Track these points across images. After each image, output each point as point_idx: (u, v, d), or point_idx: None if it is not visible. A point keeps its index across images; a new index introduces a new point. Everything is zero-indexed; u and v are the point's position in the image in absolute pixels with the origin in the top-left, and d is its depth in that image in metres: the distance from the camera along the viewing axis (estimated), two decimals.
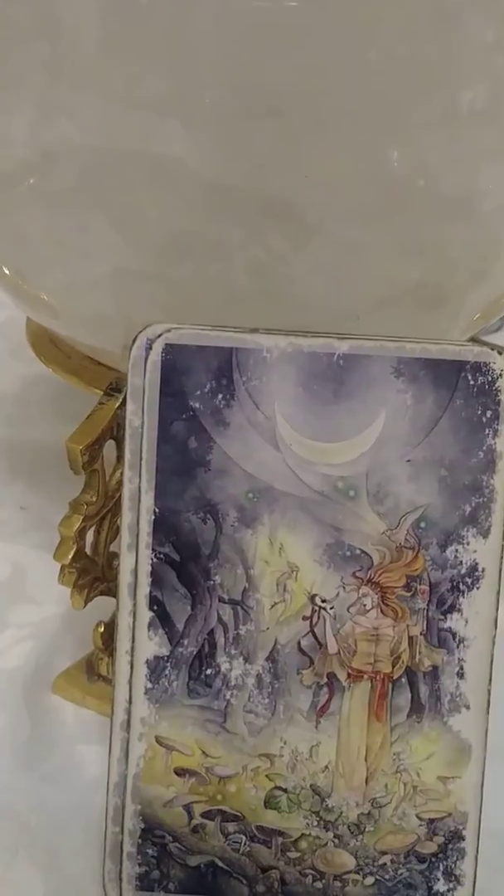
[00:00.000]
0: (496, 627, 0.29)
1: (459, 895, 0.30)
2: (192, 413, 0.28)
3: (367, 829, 0.29)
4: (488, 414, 0.28)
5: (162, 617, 0.29)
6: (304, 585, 0.29)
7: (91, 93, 0.28)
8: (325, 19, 0.26)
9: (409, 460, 0.28)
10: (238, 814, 0.30)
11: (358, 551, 0.29)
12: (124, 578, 0.29)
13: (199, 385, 0.28)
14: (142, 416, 0.28)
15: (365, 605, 0.29)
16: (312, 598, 0.29)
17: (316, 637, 0.29)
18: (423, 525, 0.28)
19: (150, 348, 0.28)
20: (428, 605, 0.29)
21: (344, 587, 0.29)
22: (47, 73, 0.28)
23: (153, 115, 0.27)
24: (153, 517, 0.29)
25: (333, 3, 0.26)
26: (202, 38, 0.26)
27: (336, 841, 0.29)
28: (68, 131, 0.28)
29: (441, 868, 0.30)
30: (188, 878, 0.30)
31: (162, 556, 0.29)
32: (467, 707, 0.29)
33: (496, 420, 0.28)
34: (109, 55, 0.27)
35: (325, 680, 0.29)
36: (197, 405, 0.28)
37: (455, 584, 0.29)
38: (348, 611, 0.29)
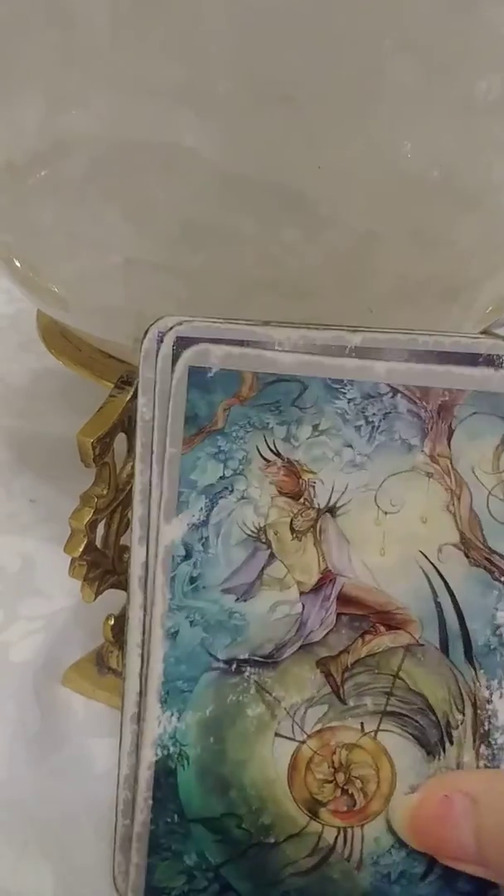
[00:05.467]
0: None
1: None
2: None
3: None
4: None
5: None
6: None
7: (103, 82, 0.28)
8: (339, 8, 0.26)
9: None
10: None
11: None
12: (135, 571, 0.29)
13: None
14: (153, 408, 0.28)
15: None
16: None
17: None
18: None
19: (162, 341, 0.28)
20: None
21: None
22: (59, 63, 0.28)
23: (166, 104, 0.27)
24: None
25: None
26: (215, 26, 0.26)
27: None
28: (80, 121, 0.28)
29: None
30: None
31: None
32: None
33: None
34: (121, 44, 0.27)
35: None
36: None
37: None
38: None
